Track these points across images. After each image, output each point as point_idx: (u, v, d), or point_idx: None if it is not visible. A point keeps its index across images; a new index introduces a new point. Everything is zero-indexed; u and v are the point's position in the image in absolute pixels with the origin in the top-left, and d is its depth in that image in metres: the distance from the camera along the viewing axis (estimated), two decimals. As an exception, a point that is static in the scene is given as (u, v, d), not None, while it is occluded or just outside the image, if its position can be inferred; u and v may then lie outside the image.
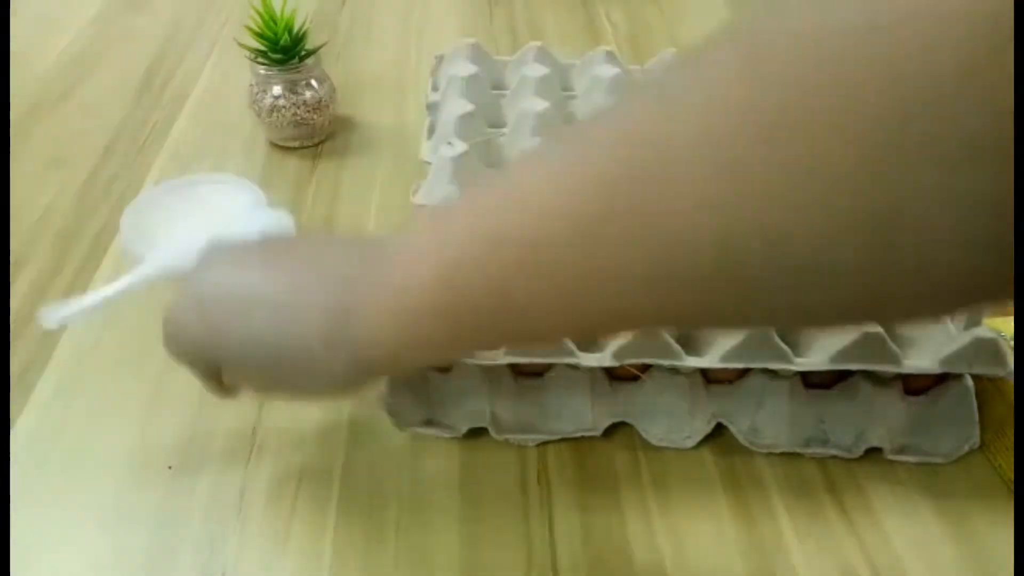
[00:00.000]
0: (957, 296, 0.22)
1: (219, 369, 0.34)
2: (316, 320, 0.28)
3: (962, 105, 0.16)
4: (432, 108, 0.57)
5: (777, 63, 0.19)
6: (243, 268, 0.31)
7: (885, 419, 0.41)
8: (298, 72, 0.60)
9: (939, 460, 0.41)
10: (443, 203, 0.27)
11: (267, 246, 0.32)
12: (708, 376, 0.42)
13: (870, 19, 0.17)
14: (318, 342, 0.28)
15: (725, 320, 0.27)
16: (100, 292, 0.40)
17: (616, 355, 0.39)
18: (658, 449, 0.42)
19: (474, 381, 0.40)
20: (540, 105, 0.51)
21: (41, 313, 0.38)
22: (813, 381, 0.42)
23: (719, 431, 0.42)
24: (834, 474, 0.41)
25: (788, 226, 0.19)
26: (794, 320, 0.28)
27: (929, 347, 0.40)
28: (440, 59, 0.61)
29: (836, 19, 0.18)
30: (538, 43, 0.59)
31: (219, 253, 0.32)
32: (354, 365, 0.28)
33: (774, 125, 0.19)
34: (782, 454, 0.41)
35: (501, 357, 0.39)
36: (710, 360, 0.39)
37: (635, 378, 0.42)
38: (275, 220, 0.44)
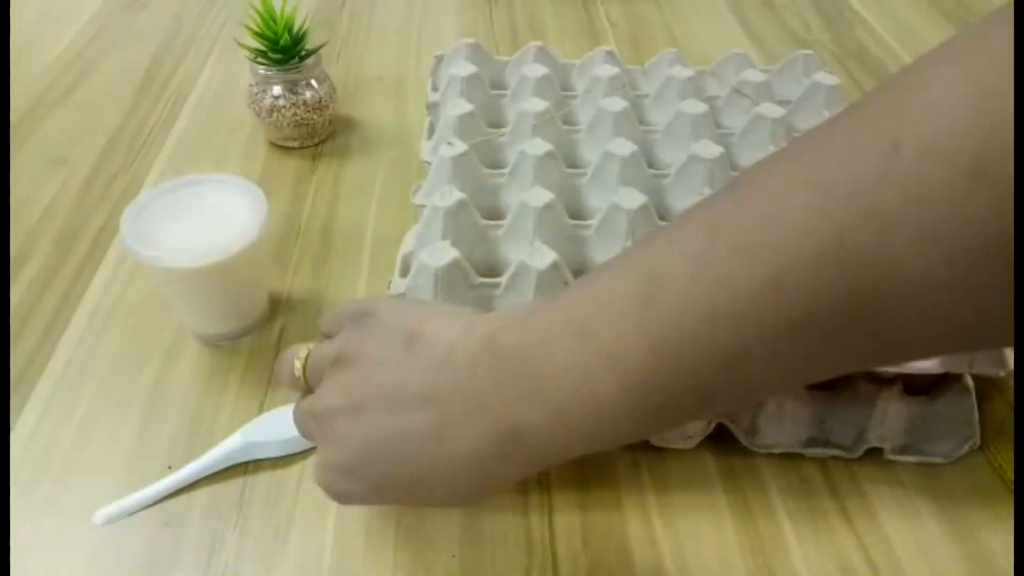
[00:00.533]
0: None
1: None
2: (482, 460, 0.28)
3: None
4: (432, 108, 0.57)
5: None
6: (365, 413, 0.30)
7: (885, 419, 0.41)
8: (298, 72, 0.60)
9: (939, 460, 0.41)
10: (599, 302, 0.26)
11: (362, 361, 0.30)
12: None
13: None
14: (491, 460, 0.28)
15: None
16: (160, 485, 0.40)
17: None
18: (658, 449, 0.42)
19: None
20: (540, 105, 0.51)
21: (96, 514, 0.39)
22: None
23: (719, 431, 0.42)
24: (834, 474, 0.41)
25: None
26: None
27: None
28: (440, 59, 0.61)
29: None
30: (538, 43, 0.59)
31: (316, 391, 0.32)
32: (529, 469, 0.29)
33: None
34: (782, 454, 0.41)
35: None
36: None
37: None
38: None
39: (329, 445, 0.31)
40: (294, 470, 0.41)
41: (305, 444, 0.41)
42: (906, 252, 0.20)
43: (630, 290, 0.25)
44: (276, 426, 0.41)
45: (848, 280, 0.21)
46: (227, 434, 0.42)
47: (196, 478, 0.40)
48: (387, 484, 0.30)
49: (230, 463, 0.41)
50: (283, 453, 0.41)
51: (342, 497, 0.32)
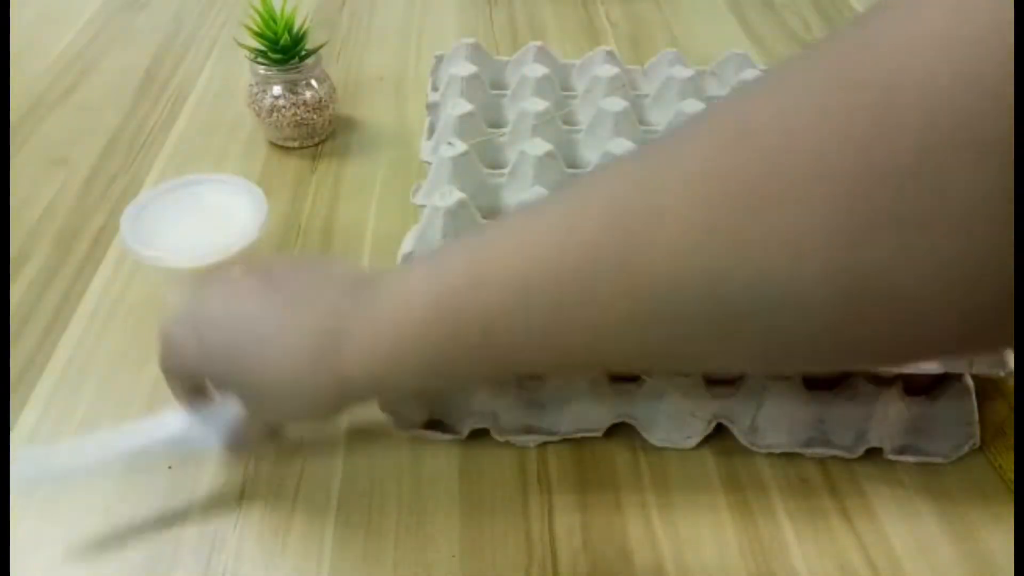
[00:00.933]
0: (937, 348, 0.24)
1: (204, 388, 0.35)
2: (305, 345, 0.29)
3: (919, 181, 0.18)
4: (432, 108, 0.57)
5: (758, 136, 0.21)
6: (241, 295, 0.32)
7: (885, 419, 0.41)
8: (298, 72, 0.60)
9: (939, 460, 0.41)
10: (440, 246, 0.28)
11: (266, 274, 0.33)
12: (708, 376, 0.42)
13: (839, 100, 0.19)
14: (306, 364, 0.29)
15: (704, 365, 0.29)
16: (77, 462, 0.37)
17: (616, 355, 0.39)
18: (658, 449, 0.42)
19: (475, 382, 0.40)
20: (540, 105, 0.51)
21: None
22: (813, 381, 0.42)
23: (719, 431, 0.42)
24: (834, 474, 0.41)
25: (764, 288, 0.21)
26: (771, 367, 0.30)
27: (929, 347, 0.40)
28: (440, 59, 0.61)
29: (809, 100, 0.20)
30: (538, 43, 0.59)
31: (219, 278, 0.34)
32: (338, 388, 0.30)
33: (754, 193, 0.20)
34: (782, 454, 0.41)
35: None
36: (710, 360, 0.39)
37: (635, 378, 0.42)
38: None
39: (182, 314, 0.33)
40: (294, 470, 0.41)
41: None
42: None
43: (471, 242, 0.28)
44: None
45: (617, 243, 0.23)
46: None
47: (115, 460, 0.37)
48: (215, 350, 0.31)
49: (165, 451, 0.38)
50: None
51: (163, 356, 0.33)
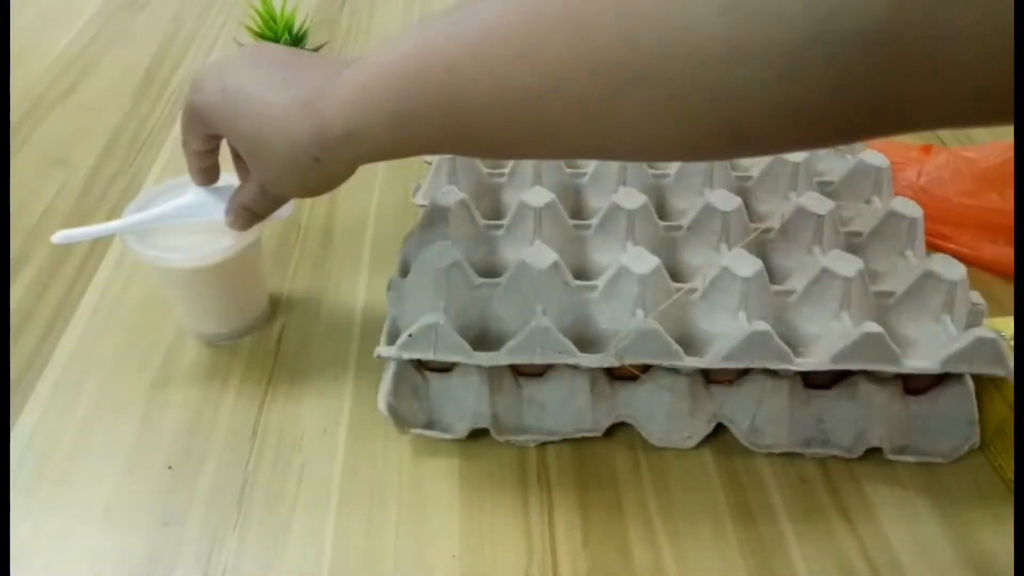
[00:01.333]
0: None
1: (212, 138, 0.41)
2: (298, 95, 0.35)
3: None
4: (432, 108, 0.57)
5: None
6: (257, 60, 0.38)
7: (885, 419, 0.41)
8: (298, 72, 0.60)
9: (939, 460, 0.41)
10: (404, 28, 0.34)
11: (281, 56, 0.38)
12: (708, 376, 0.42)
13: None
14: (296, 108, 0.35)
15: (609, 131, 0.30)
16: (110, 224, 0.43)
17: (616, 355, 0.39)
18: (658, 449, 0.42)
19: (474, 382, 0.40)
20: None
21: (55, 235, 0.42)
22: (813, 381, 0.42)
23: (719, 431, 0.42)
24: (834, 474, 0.41)
25: (669, 29, 0.25)
26: (657, 138, 0.31)
27: (929, 347, 0.40)
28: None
29: None
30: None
31: (248, 50, 0.39)
32: (319, 135, 0.34)
33: None
34: (782, 454, 0.41)
35: (506, 359, 0.39)
36: (710, 360, 0.39)
37: (635, 378, 0.42)
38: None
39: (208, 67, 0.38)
40: (294, 470, 0.41)
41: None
42: None
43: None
44: (231, 194, 0.43)
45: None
46: (228, 433, 0.42)
47: (149, 223, 0.43)
48: (233, 92, 0.36)
49: (182, 216, 0.43)
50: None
51: (197, 80, 0.38)
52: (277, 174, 0.38)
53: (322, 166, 0.36)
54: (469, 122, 0.31)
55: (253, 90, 0.36)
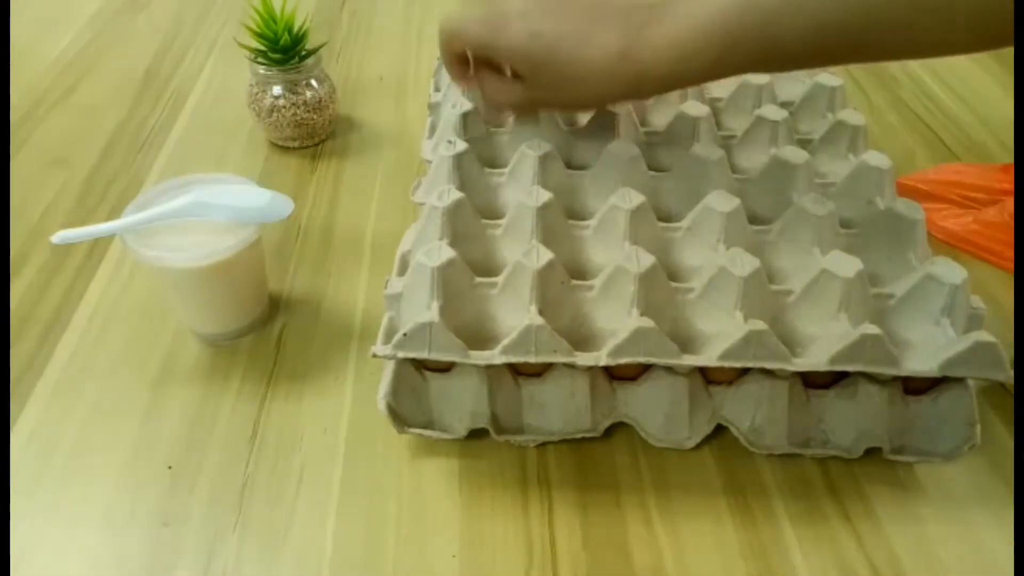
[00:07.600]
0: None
1: (470, 68, 0.46)
2: (615, 38, 0.40)
3: None
4: (434, 108, 0.57)
5: None
6: (555, 7, 0.42)
7: (885, 419, 0.41)
8: (298, 72, 0.60)
9: (939, 460, 0.41)
10: None
11: (575, 4, 0.42)
12: (708, 376, 0.42)
13: None
14: (616, 53, 0.40)
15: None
16: (110, 224, 0.43)
17: (614, 354, 0.39)
18: (658, 449, 0.42)
19: (474, 382, 0.40)
20: (540, 105, 0.51)
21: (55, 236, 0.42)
22: (813, 381, 0.42)
23: (719, 431, 0.42)
24: (834, 474, 0.41)
25: None
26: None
27: (928, 350, 0.40)
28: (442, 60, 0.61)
29: None
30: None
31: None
32: (636, 79, 0.40)
33: None
34: (782, 455, 0.41)
35: (500, 358, 0.39)
36: (707, 359, 0.39)
37: (635, 378, 0.42)
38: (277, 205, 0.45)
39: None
40: (294, 470, 0.41)
41: (256, 217, 0.44)
42: None
43: None
44: (231, 194, 0.44)
45: None
46: (228, 434, 0.42)
47: (149, 223, 0.43)
48: (544, 39, 0.41)
49: (181, 216, 0.43)
50: (233, 219, 0.43)
51: (495, 18, 0.43)
52: (586, 99, 0.45)
53: (638, 93, 0.43)
54: (785, 55, 0.38)
55: (565, 40, 0.41)
